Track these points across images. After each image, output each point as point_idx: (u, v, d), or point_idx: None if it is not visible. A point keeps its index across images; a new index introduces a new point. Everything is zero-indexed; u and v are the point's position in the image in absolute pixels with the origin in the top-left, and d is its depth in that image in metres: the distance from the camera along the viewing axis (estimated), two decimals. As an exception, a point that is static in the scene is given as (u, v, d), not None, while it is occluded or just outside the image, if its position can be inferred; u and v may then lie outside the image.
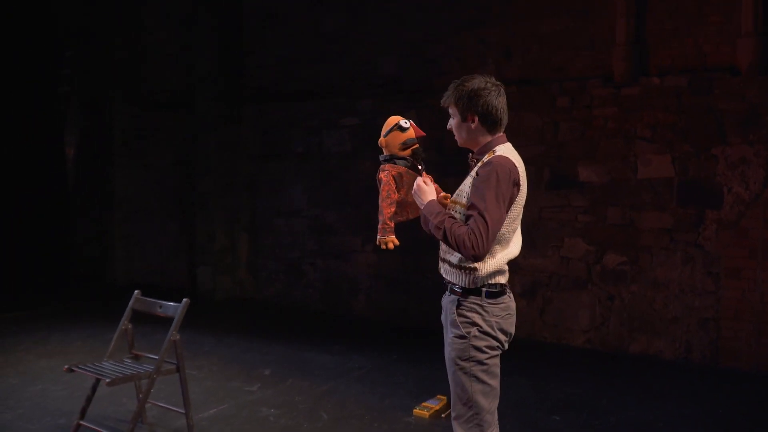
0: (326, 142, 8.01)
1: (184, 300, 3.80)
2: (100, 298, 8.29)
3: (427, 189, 2.64)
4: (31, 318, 7.28)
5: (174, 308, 3.81)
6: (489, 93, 2.56)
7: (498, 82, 2.62)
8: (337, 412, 4.49)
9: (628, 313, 6.24)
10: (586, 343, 6.44)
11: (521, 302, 6.77)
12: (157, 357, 3.75)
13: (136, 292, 4.08)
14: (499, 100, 2.59)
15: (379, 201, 2.68)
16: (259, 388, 4.98)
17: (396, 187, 2.70)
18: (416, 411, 4.47)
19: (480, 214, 2.40)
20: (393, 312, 7.40)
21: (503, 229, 2.51)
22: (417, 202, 2.66)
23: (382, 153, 2.77)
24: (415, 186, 2.66)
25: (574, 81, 6.45)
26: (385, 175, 2.71)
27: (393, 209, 2.68)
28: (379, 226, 2.66)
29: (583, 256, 6.45)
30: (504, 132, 2.67)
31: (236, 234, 8.71)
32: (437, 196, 2.81)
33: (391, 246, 2.64)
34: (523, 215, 7.03)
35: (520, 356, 6.08)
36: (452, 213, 2.62)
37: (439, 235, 2.50)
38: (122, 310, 4.03)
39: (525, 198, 2.62)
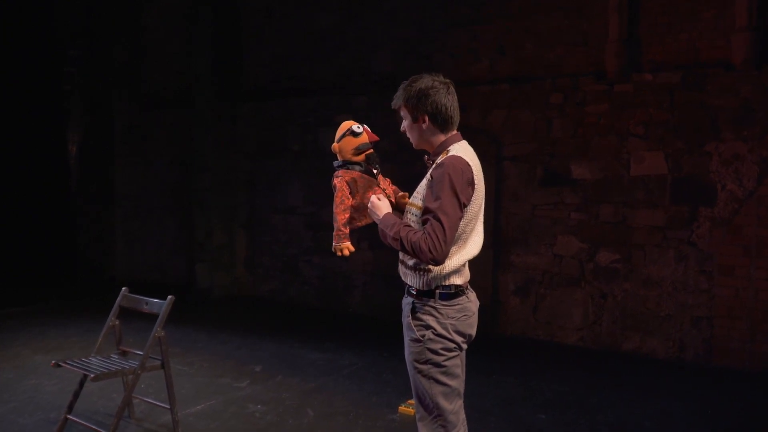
0: (321, 139, 8.04)
1: (169, 297, 3.83)
2: (100, 294, 8.30)
3: (380, 204, 2.63)
4: (30, 314, 7.35)
5: (159, 305, 3.84)
6: (437, 92, 2.56)
7: (446, 80, 2.62)
8: (323, 409, 4.52)
9: (621, 311, 6.23)
10: (579, 341, 6.43)
11: (514, 300, 6.78)
12: (142, 353, 3.78)
13: (123, 289, 4.12)
14: (448, 98, 2.57)
15: (333, 207, 2.68)
16: (248, 385, 5.01)
17: (350, 192, 2.69)
18: (401, 408, 4.49)
19: (435, 218, 2.39)
20: (388, 309, 7.40)
21: (459, 230, 2.50)
22: (374, 219, 2.66)
23: (336, 159, 2.77)
24: (369, 204, 2.67)
25: (567, 78, 6.44)
26: (339, 181, 2.70)
27: (347, 215, 2.67)
28: (334, 233, 2.67)
29: (576, 254, 6.45)
30: (458, 130, 2.66)
31: (233, 231, 8.76)
32: (396, 197, 2.81)
33: (346, 253, 2.64)
34: (516, 213, 7.01)
35: (512, 354, 6.12)
36: (408, 216, 2.62)
37: (397, 246, 2.50)
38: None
39: (483, 196, 2.61)
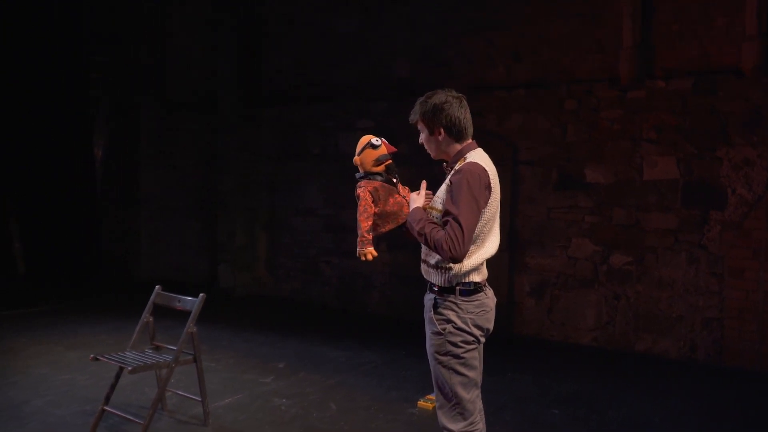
0: (341, 143, 8.24)
1: (201, 295, 4.05)
2: (126, 293, 8.62)
3: (416, 198, 2.87)
4: (61, 312, 7.63)
5: (192, 302, 4.07)
6: (450, 106, 2.77)
7: (459, 95, 2.83)
8: (345, 403, 4.72)
9: (633, 312, 6.36)
10: (593, 342, 6.57)
11: (529, 301, 6.94)
12: (176, 348, 4.01)
13: (157, 287, 4.34)
14: (461, 111, 2.79)
15: (357, 215, 2.88)
16: (273, 380, 5.23)
17: (373, 201, 2.89)
18: (420, 403, 4.68)
19: (455, 220, 2.60)
20: (405, 308, 7.61)
21: (477, 230, 2.70)
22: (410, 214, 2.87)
23: (358, 171, 2.98)
24: (408, 197, 2.91)
25: (582, 84, 6.58)
26: (362, 190, 2.90)
27: (370, 222, 2.87)
28: (358, 239, 2.87)
29: (590, 256, 6.59)
30: (473, 137, 2.86)
31: (255, 232, 8.97)
32: None
33: (369, 257, 2.84)
34: (531, 215, 7.20)
35: (527, 354, 6.29)
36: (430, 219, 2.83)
37: (421, 240, 2.73)
38: (146, 304, 4.30)
39: (499, 199, 2.81)
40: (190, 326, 3.97)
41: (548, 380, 5.42)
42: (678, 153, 6.13)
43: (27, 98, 9.52)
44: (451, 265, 2.70)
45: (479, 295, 2.78)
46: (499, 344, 6.27)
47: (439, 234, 2.63)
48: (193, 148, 9.66)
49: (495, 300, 2.90)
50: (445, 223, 2.66)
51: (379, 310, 7.94)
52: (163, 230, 9.93)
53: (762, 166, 5.77)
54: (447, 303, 2.75)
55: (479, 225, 2.70)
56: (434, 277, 2.80)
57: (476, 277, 2.76)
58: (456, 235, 2.57)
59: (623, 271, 6.42)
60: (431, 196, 2.95)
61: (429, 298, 2.86)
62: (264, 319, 7.55)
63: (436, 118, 2.78)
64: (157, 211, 9.95)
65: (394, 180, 2.97)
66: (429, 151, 2.92)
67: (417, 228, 2.73)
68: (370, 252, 2.87)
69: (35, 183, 9.73)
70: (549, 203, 6.79)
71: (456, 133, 2.80)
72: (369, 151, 2.95)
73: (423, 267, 2.89)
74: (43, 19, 9.68)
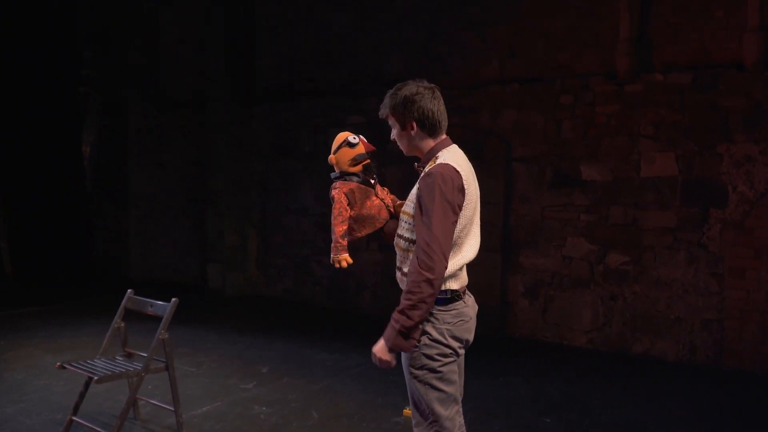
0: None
1: (173, 300, 3.88)
2: (114, 294, 8.39)
3: (376, 347, 2.51)
4: (46, 313, 7.48)
5: (163, 307, 3.90)
6: (423, 97, 2.56)
7: (431, 86, 2.62)
8: (328, 411, 4.54)
9: (630, 313, 6.19)
10: (588, 343, 6.40)
11: (523, 302, 6.76)
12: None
13: (129, 291, 4.18)
14: (434, 103, 2.57)
15: (331, 219, 2.70)
16: (255, 386, 5.05)
17: (348, 204, 2.71)
18: (406, 411, 4.50)
19: (427, 232, 2.39)
20: (398, 310, 7.42)
21: (455, 235, 2.50)
22: (385, 348, 2.48)
23: (333, 170, 2.79)
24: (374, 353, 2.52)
25: (577, 78, 6.40)
26: (337, 192, 2.71)
27: (345, 227, 2.69)
28: (332, 244, 2.69)
29: (585, 256, 6.41)
30: (447, 135, 2.66)
31: (246, 231, 8.82)
32: (394, 206, 2.83)
33: (344, 264, 2.66)
34: (525, 214, 6.98)
35: (520, 355, 6.11)
36: (402, 224, 2.63)
37: (417, 311, 2.41)
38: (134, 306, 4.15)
39: (477, 199, 2.60)
40: (162, 332, 3.80)
41: (541, 383, 5.25)
42: (677, 149, 5.96)
43: (14, 94, 9.38)
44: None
45: (457, 303, 2.58)
46: (492, 346, 6.16)
47: (411, 271, 2.42)
48: (184, 146, 9.51)
49: (476, 308, 2.71)
50: (417, 238, 2.45)
51: (372, 310, 7.78)
52: (153, 229, 9.80)
53: (764, 163, 5.59)
54: None
55: (456, 228, 2.50)
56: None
57: (454, 285, 2.56)
58: (428, 252, 2.37)
59: (620, 271, 6.24)
60: (403, 204, 2.76)
61: None
62: (252, 321, 7.38)
63: (407, 111, 2.57)
64: (147, 210, 9.82)
65: (372, 181, 2.77)
66: (401, 147, 2.72)
67: (400, 321, 2.42)
68: (345, 259, 2.69)
69: (22, 180, 9.58)
70: (543, 201, 6.62)
71: (429, 127, 2.59)
72: (345, 149, 2.76)
73: (398, 275, 2.70)
74: (33, 14, 9.53)
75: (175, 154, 9.63)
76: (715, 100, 5.78)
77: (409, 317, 2.42)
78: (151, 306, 3.99)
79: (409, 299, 2.42)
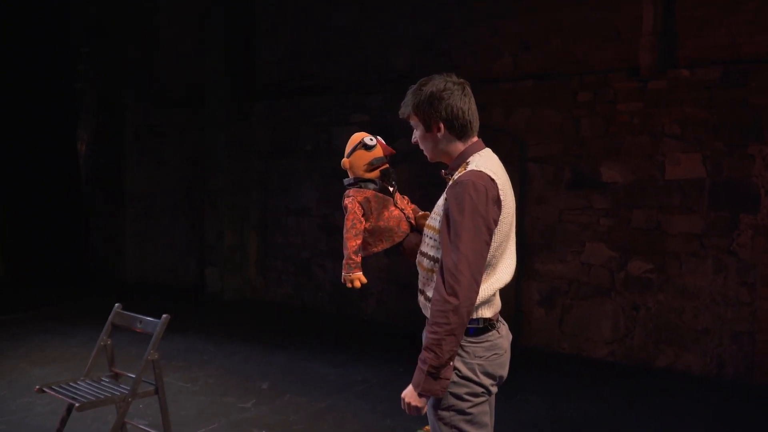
0: (335, 139, 7.72)
1: (164, 316, 3.52)
2: (109, 297, 8.04)
3: (406, 392, 2.15)
4: (35, 319, 7.13)
5: (153, 325, 3.54)
6: (452, 94, 2.21)
7: (461, 81, 2.27)
8: (333, 434, 4.19)
9: (654, 324, 5.85)
10: (609, 356, 6.06)
11: (538, 311, 6.42)
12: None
13: (116, 305, 3.83)
14: (464, 101, 2.22)
15: (344, 232, 2.35)
16: (254, 405, 4.70)
17: (363, 215, 2.37)
18: (426, 429, 4.14)
19: (455, 252, 2.05)
20: (404, 317, 7.09)
21: (489, 255, 2.16)
22: (414, 394, 2.13)
23: (347, 176, 2.44)
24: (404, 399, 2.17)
25: (597, 74, 6.07)
26: (350, 201, 2.37)
27: (359, 241, 2.35)
28: (344, 261, 2.34)
29: (605, 263, 6.07)
30: (479, 137, 2.31)
31: (245, 233, 8.51)
32: (415, 216, 2.48)
33: (357, 284, 2.32)
34: (541, 217, 6.57)
35: (537, 369, 5.76)
36: (426, 240, 2.28)
37: (447, 346, 2.06)
38: (131, 310, 3.80)
39: (513, 213, 2.26)
40: (151, 353, 3.44)
41: (560, 402, 4.92)
42: (704, 150, 5.61)
43: (8, 91, 9.14)
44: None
45: (490, 334, 2.23)
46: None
47: (436, 299, 2.07)
48: (182, 145, 9.20)
49: (510, 337, 2.35)
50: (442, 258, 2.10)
51: (376, 317, 7.43)
52: (150, 230, 9.50)
53: (799, 165, 5.23)
54: None
55: (491, 249, 2.14)
56: None
57: (487, 312, 2.21)
58: (457, 277, 2.03)
59: (643, 279, 5.89)
60: (426, 215, 2.41)
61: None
62: (252, 328, 7.03)
63: (433, 110, 2.21)
64: (144, 210, 9.52)
65: (391, 189, 2.43)
66: (425, 151, 2.36)
67: (429, 358, 2.07)
68: (358, 278, 2.34)
69: (16, 179, 9.30)
70: (560, 204, 6.28)
71: (459, 129, 2.23)
72: (361, 152, 2.42)
73: (420, 299, 2.34)
74: (29, 9, 9.24)
75: (172, 153, 9.32)
76: (745, 98, 5.44)
77: (437, 354, 2.06)
78: (140, 322, 3.63)
79: (436, 332, 2.07)
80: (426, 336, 2.14)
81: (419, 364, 2.11)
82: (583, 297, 6.19)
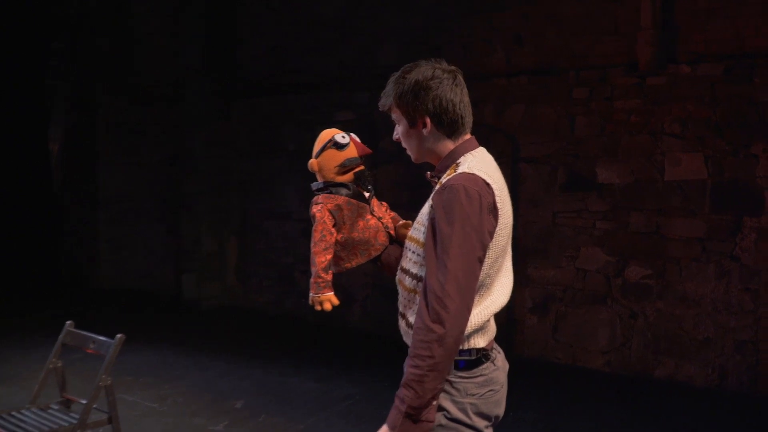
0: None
1: (118, 336, 3.17)
2: (81, 305, 7.71)
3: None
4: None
5: (107, 345, 3.18)
6: (441, 83, 1.88)
7: (451, 68, 1.94)
8: (311, 460, 3.85)
9: (653, 332, 5.59)
10: (605, 366, 5.79)
11: (531, 318, 6.12)
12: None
13: (67, 323, 3.47)
14: (455, 92, 1.90)
15: (311, 246, 2.02)
16: (226, 427, 4.34)
17: (335, 225, 2.04)
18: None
19: (441, 269, 1.72)
20: (390, 326, 6.72)
21: (483, 273, 1.83)
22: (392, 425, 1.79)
23: (315, 179, 2.12)
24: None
25: (594, 70, 5.81)
26: (319, 209, 2.05)
27: (329, 256, 2.03)
28: (311, 279, 2.02)
29: (602, 268, 5.80)
30: (472, 134, 1.99)
31: (225, 237, 8.14)
32: (396, 226, 2.15)
33: (327, 306, 2.00)
34: (534, 220, 6.19)
35: (530, 380, 5.48)
36: (408, 254, 1.95)
37: (430, 382, 1.73)
38: (104, 320, 3.51)
39: (511, 223, 1.92)
40: (103, 378, 3.08)
41: (557, 419, 4.65)
42: (706, 149, 5.36)
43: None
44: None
45: (484, 367, 1.90)
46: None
47: (418, 331, 1.75)
48: (160, 144, 8.83)
49: (507, 367, 2.03)
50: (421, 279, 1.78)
51: (361, 326, 7.10)
52: (126, 234, 9.10)
53: (807, 165, 4.97)
54: None
55: (485, 265, 1.81)
56: None
57: (480, 341, 1.88)
58: (444, 297, 1.70)
59: (641, 286, 5.62)
60: (408, 224, 2.08)
61: None
62: (229, 339, 6.67)
63: (419, 102, 1.89)
64: (118, 213, 9.12)
65: (367, 194, 2.11)
66: (408, 150, 2.04)
67: (405, 398, 1.75)
68: (329, 299, 2.03)
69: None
70: (555, 207, 6.00)
71: (448, 125, 1.91)
72: (332, 152, 2.10)
73: (401, 324, 2.00)
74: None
75: (149, 153, 8.94)
76: (750, 95, 5.19)
77: (417, 393, 1.73)
78: (93, 342, 3.27)
79: (417, 367, 1.73)
80: (406, 369, 1.80)
81: (396, 402, 1.78)
82: (579, 304, 5.92)
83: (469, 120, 1.95)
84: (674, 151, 5.47)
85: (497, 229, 1.83)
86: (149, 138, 8.95)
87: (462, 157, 1.91)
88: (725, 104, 5.27)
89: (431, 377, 1.72)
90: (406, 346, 1.98)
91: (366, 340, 6.67)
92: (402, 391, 1.76)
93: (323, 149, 2.12)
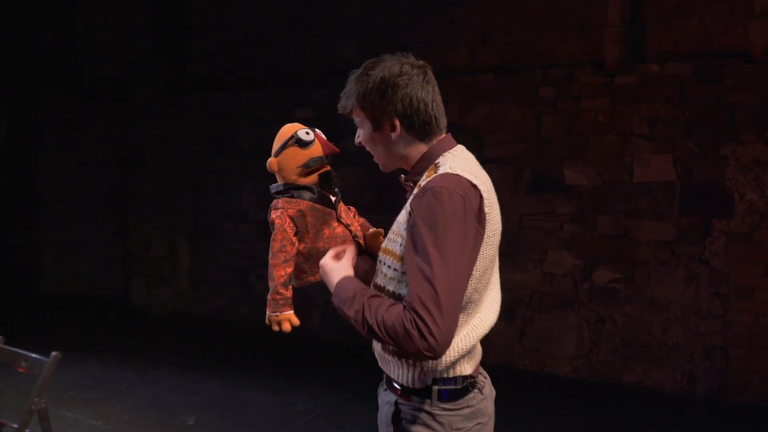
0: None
1: (53, 354, 2.82)
2: (22, 314, 7.23)
3: (333, 267, 1.72)
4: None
5: (41, 364, 2.83)
6: (410, 80, 1.68)
7: (420, 63, 1.74)
8: (268, 483, 3.57)
9: (621, 338, 5.50)
10: (573, 373, 5.68)
11: (497, 324, 5.92)
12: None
13: (-3, 338, 3.09)
14: (426, 90, 1.70)
15: (269, 257, 1.76)
16: (176, 447, 4.03)
17: (296, 234, 1.79)
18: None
19: (422, 285, 1.49)
20: (352, 333, 6.47)
21: (470, 289, 1.61)
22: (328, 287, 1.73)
23: (275, 181, 1.87)
24: (320, 267, 1.76)
25: (560, 68, 5.69)
26: (279, 216, 1.81)
27: (290, 269, 1.79)
28: (269, 296, 1.76)
29: (569, 272, 5.69)
30: (448, 132, 1.78)
31: (176, 240, 7.78)
32: (365, 235, 1.90)
33: (287, 327, 1.78)
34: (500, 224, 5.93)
35: (495, 388, 5.26)
36: (382, 269, 1.71)
37: (363, 331, 1.58)
38: (46, 329, 3.10)
39: (499, 230, 1.70)
40: (36, 401, 2.74)
41: (524, 426, 4.52)
42: (675, 151, 5.28)
43: None
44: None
45: (471, 397, 1.69)
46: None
47: (393, 313, 1.51)
48: (106, 142, 8.39)
49: (494, 393, 1.81)
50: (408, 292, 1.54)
51: (321, 333, 6.82)
52: (69, 237, 8.65)
53: (776, 167, 4.93)
54: (419, 415, 1.64)
55: (472, 279, 1.57)
56: (395, 370, 1.68)
57: (467, 367, 1.67)
58: (428, 311, 1.45)
59: (609, 290, 5.53)
60: (380, 233, 1.83)
61: (386, 401, 1.73)
62: (180, 349, 6.31)
63: (385, 103, 1.67)
64: (62, 215, 8.66)
65: (333, 198, 1.87)
66: (376, 157, 1.81)
67: (351, 314, 1.60)
68: (288, 318, 1.79)
69: None
70: (521, 209, 5.86)
71: (420, 127, 1.69)
72: (294, 150, 1.86)
73: (376, 348, 1.77)
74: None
75: (95, 151, 8.49)
76: (719, 95, 5.12)
77: (354, 319, 1.62)
78: (25, 361, 2.91)
79: (366, 327, 1.58)
80: (360, 313, 1.60)
81: (349, 311, 1.64)
82: (546, 309, 5.79)
83: (442, 120, 1.74)
84: (643, 152, 5.39)
85: (485, 236, 1.60)
86: (94, 135, 8.50)
87: (440, 157, 1.70)
88: (694, 104, 5.20)
89: (361, 326, 1.60)
90: (368, 356, 1.74)
91: (326, 348, 6.40)
92: (354, 307, 1.62)
93: (284, 147, 1.88)
